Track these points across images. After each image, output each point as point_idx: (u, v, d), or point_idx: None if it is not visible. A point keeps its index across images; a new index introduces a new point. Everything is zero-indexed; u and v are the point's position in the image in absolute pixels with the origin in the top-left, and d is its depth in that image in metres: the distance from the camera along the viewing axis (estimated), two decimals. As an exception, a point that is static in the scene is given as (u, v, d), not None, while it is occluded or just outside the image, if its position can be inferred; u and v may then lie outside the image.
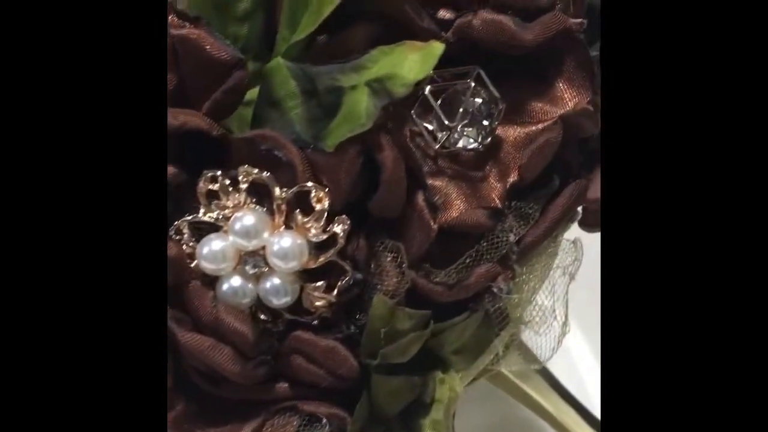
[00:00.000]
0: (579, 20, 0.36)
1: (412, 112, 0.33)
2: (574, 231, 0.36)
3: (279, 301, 0.31)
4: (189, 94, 0.32)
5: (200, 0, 0.33)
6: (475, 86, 0.33)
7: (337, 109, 0.31)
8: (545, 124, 0.33)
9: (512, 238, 0.33)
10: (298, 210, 0.31)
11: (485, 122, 0.33)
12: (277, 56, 0.33)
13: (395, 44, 0.31)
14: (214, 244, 0.31)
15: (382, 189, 0.31)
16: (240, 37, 0.34)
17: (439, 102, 0.33)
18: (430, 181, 0.33)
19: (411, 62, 0.30)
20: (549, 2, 0.34)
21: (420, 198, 0.32)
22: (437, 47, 0.31)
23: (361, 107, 0.30)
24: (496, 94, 0.33)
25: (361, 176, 0.31)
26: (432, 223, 0.32)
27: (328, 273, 0.31)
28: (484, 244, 0.33)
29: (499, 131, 0.34)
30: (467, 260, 0.32)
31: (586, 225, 0.37)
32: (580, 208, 0.36)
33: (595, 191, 0.36)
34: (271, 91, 0.32)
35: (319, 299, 0.31)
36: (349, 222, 0.31)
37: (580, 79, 0.35)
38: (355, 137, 0.30)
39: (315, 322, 0.32)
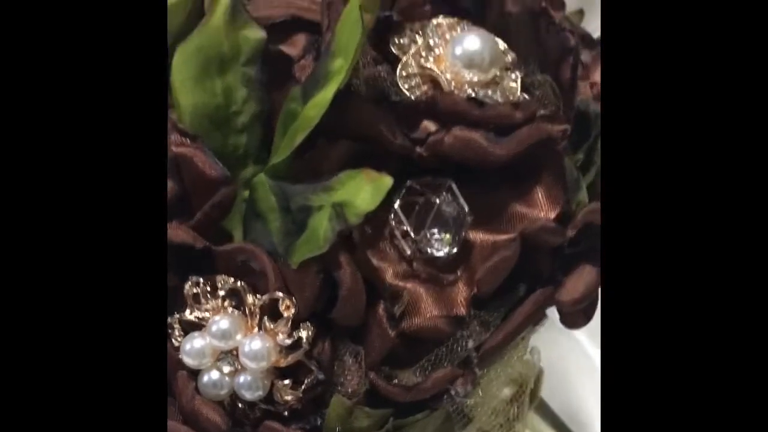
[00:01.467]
0: (562, 127, 0.37)
1: (390, 216, 0.36)
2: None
3: (251, 396, 0.35)
4: (190, 201, 0.37)
5: (200, 118, 0.37)
6: (445, 196, 0.36)
7: (306, 228, 0.34)
8: (506, 237, 0.35)
9: (471, 344, 0.35)
10: (266, 317, 0.34)
11: (455, 231, 0.36)
12: (273, 162, 0.37)
13: (357, 170, 0.34)
14: (195, 342, 0.35)
15: (341, 303, 0.34)
16: (239, 145, 0.37)
17: (416, 210, 0.36)
18: (401, 283, 0.36)
19: (365, 193, 0.33)
20: (525, 116, 0.36)
21: (380, 308, 0.35)
22: (386, 182, 0.33)
23: (320, 231, 0.33)
24: (466, 207, 0.36)
25: (324, 289, 0.34)
26: (390, 332, 0.35)
27: (296, 371, 0.35)
28: (443, 349, 0.35)
29: (472, 235, 0.36)
30: (425, 364, 0.35)
31: (566, 325, 0.38)
32: (554, 310, 0.37)
33: (572, 292, 0.37)
34: (256, 203, 0.36)
35: (288, 394, 0.35)
36: (313, 329, 0.34)
37: (556, 189, 0.36)
38: (315, 256, 0.33)
39: (285, 412, 0.35)
